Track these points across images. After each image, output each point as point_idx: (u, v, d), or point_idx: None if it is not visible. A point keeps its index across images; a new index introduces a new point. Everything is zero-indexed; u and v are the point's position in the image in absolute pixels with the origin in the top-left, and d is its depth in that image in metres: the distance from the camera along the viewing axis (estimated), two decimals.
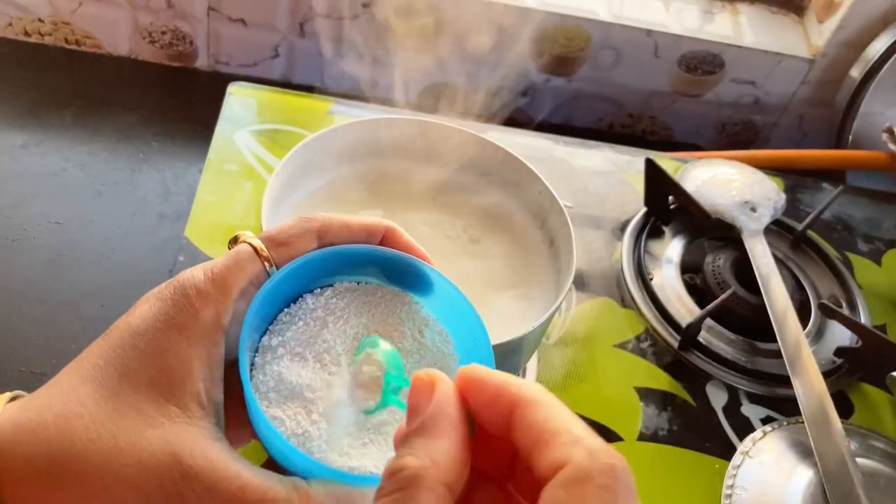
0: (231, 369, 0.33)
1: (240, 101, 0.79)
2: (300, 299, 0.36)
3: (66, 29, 0.95)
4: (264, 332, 0.35)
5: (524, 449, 0.24)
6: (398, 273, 0.37)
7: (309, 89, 0.89)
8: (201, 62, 0.99)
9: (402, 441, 0.25)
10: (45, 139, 0.83)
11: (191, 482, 0.28)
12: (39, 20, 0.94)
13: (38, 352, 0.66)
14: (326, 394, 0.33)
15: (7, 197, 0.76)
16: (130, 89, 0.93)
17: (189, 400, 0.30)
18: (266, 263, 0.34)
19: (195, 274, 0.33)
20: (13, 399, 0.32)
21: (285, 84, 0.99)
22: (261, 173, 0.73)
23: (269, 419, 0.32)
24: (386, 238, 0.36)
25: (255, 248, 0.34)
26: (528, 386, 0.25)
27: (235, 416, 0.33)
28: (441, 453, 0.24)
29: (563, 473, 0.22)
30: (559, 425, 0.23)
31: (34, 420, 0.30)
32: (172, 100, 0.93)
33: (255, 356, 0.34)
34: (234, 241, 0.35)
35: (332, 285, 0.37)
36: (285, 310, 0.36)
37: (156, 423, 0.30)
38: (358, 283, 0.37)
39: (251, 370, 0.33)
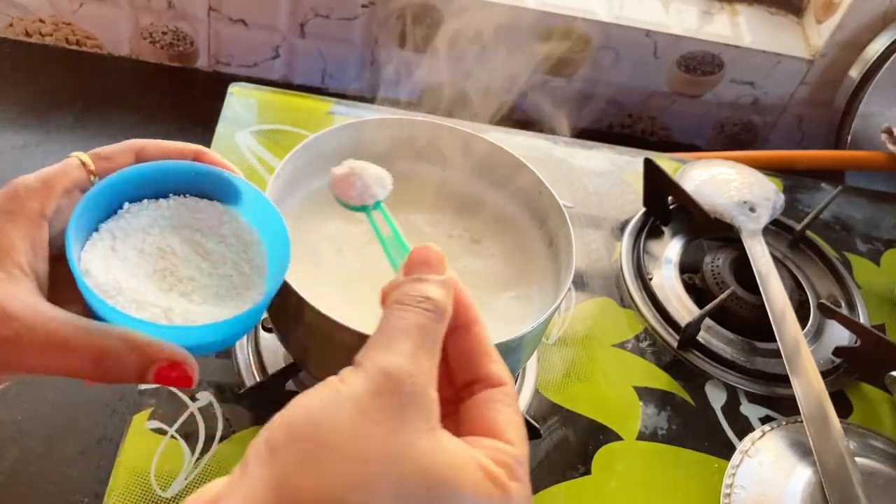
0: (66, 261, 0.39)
1: (240, 101, 0.79)
2: (124, 206, 0.42)
3: (67, 29, 0.95)
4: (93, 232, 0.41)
5: (477, 352, 0.34)
6: (210, 187, 0.43)
7: (309, 90, 0.89)
8: (202, 62, 0.99)
9: (422, 280, 0.33)
10: (46, 139, 0.83)
11: (11, 322, 0.34)
12: (40, 21, 0.95)
13: None
14: (139, 266, 0.40)
15: None
16: (131, 90, 0.93)
17: (12, 267, 0.37)
18: (91, 175, 0.40)
19: (27, 177, 0.39)
20: None
21: (286, 84, 1.00)
22: (261, 173, 0.73)
23: (84, 277, 0.38)
24: (197, 158, 0.43)
25: (81, 161, 0.40)
26: (479, 312, 0.35)
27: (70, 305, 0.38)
28: (451, 305, 0.33)
29: (507, 388, 0.33)
30: (494, 351, 0.34)
31: None
32: (173, 100, 0.93)
33: (84, 247, 0.40)
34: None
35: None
36: (113, 217, 0.42)
37: None
38: (179, 197, 0.43)
39: (80, 254, 0.40)
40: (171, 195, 0.43)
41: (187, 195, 0.43)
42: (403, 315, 0.32)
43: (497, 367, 0.34)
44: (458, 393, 0.34)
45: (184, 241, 0.42)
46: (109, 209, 0.42)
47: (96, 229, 0.41)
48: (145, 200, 0.42)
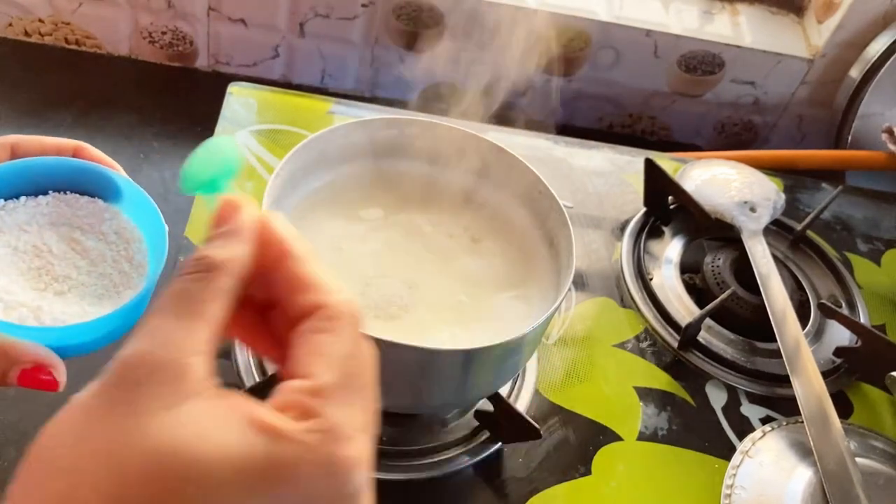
0: None
1: (240, 101, 0.79)
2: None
3: (67, 29, 0.95)
4: None
5: (287, 289, 0.29)
6: (91, 184, 0.42)
7: (309, 90, 0.89)
8: (201, 62, 0.99)
9: (207, 240, 0.29)
10: None
11: None
12: (40, 20, 0.94)
13: None
14: (12, 265, 0.39)
15: None
16: (131, 89, 0.93)
17: None
18: None
19: None
20: None
21: (285, 84, 0.99)
22: (261, 173, 0.73)
23: None
24: (77, 154, 0.41)
25: None
26: (300, 242, 0.30)
27: None
28: (238, 252, 0.28)
29: (322, 312, 0.27)
30: (320, 280, 0.29)
31: None
32: (173, 100, 0.93)
33: None
34: None
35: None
36: None
37: None
38: (58, 194, 0.42)
39: None
40: (50, 192, 0.42)
41: (67, 192, 0.42)
42: (167, 290, 0.27)
43: (313, 295, 0.28)
44: None
45: (61, 239, 0.41)
46: None
47: None
48: (22, 198, 0.41)
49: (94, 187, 0.43)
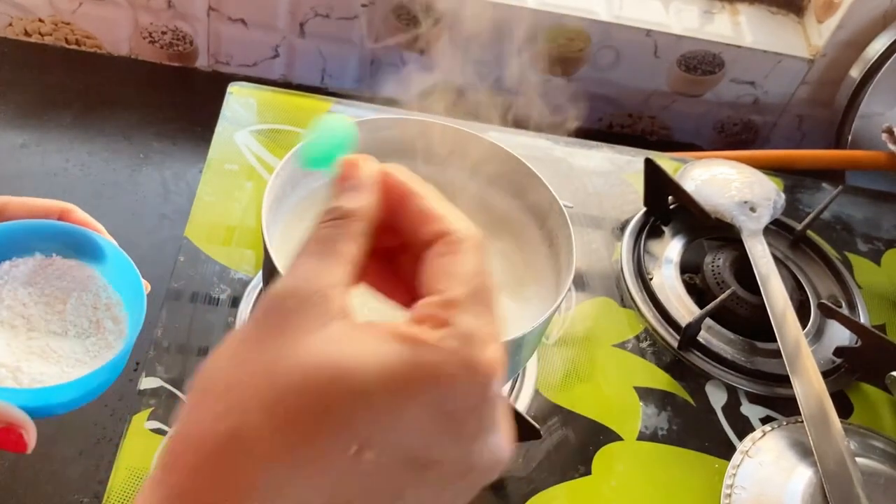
0: None
1: (240, 101, 0.79)
2: None
3: (67, 29, 0.95)
4: None
5: (413, 224, 0.31)
6: (75, 246, 0.44)
7: (308, 89, 0.89)
8: (201, 62, 0.99)
9: (334, 195, 0.31)
10: (45, 139, 0.83)
11: None
12: (40, 20, 0.94)
13: None
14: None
15: None
16: (131, 89, 0.93)
17: None
18: None
19: None
20: None
21: (285, 84, 1.00)
22: (261, 173, 0.73)
23: None
24: (63, 216, 0.42)
25: None
26: (420, 182, 0.32)
27: None
28: (365, 201, 0.31)
29: (447, 238, 0.29)
30: (443, 211, 0.31)
31: None
32: (173, 100, 0.93)
33: None
34: None
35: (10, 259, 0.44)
36: None
37: None
38: (42, 256, 0.43)
39: None
40: (36, 252, 0.43)
41: (52, 254, 0.44)
42: (307, 238, 0.30)
43: (437, 224, 0.30)
44: None
45: (43, 301, 0.42)
46: None
47: None
48: (6, 262, 0.42)
49: (79, 249, 0.44)
